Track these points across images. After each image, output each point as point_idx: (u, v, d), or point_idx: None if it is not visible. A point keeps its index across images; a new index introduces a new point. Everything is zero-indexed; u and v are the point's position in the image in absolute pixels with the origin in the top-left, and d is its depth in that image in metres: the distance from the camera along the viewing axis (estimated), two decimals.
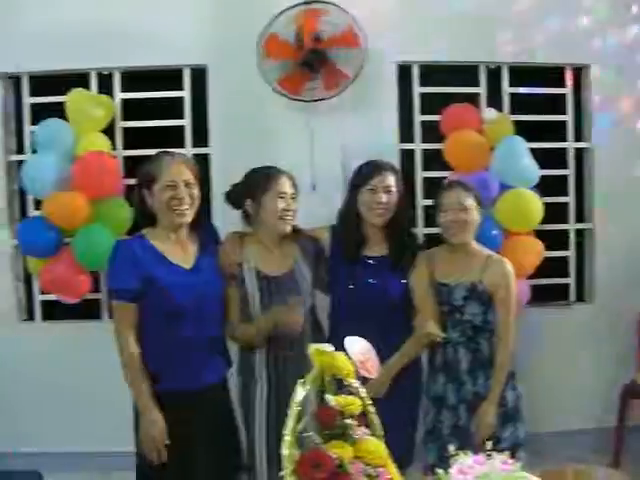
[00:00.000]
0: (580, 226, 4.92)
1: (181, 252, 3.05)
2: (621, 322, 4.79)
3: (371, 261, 3.38)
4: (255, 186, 3.22)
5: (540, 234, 4.46)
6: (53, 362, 4.55)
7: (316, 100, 4.20)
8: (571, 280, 4.93)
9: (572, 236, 4.90)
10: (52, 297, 4.61)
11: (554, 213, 4.65)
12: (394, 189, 3.34)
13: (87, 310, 4.58)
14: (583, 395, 4.69)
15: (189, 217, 3.03)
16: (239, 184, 3.32)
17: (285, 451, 1.70)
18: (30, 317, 4.82)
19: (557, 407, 4.63)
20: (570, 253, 4.91)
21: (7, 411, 4.47)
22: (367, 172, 3.38)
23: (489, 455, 1.90)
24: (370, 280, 3.31)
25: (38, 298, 4.76)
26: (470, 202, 3.34)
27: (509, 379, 3.35)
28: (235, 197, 3.32)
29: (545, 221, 4.38)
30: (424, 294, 3.35)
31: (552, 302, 4.91)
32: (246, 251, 3.25)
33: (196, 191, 3.04)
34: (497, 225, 4.25)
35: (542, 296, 4.74)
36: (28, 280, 4.80)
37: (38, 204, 4.51)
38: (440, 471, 1.89)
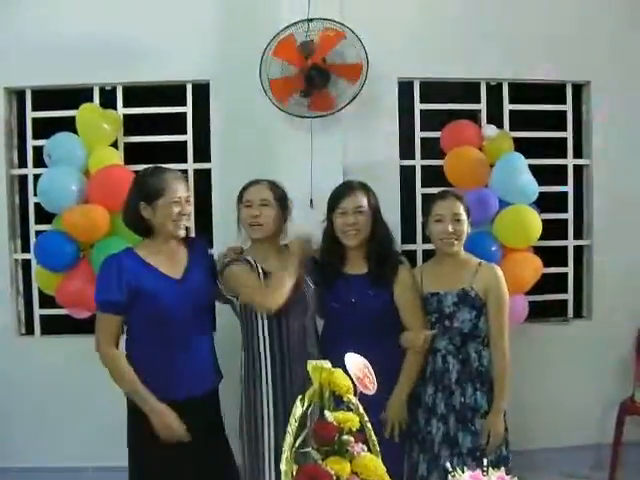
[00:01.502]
0: (579, 242, 4.94)
1: (170, 263, 3.13)
2: (619, 339, 4.80)
3: (352, 280, 3.40)
4: (239, 199, 3.36)
5: (539, 250, 4.47)
6: (51, 377, 4.55)
7: (316, 117, 4.22)
8: (569, 296, 4.94)
9: (571, 252, 4.91)
10: (52, 311, 4.65)
11: (553, 229, 4.67)
12: (365, 209, 3.36)
13: (86, 324, 4.54)
14: (581, 411, 4.67)
15: (184, 231, 3.14)
16: None
17: (283, 467, 1.71)
18: (29, 331, 4.82)
19: (555, 423, 4.62)
20: (568, 269, 4.93)
21: (4, 425, 4.47)
22: (337, 195, 3.42)
23: (485, 471, 1.92)
24: (352, 299, 3.34)
25: (38, 312, 4.76)
26: (463, 212, 3.38)
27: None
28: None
29: (544, 237, 4.39)
30: (410, 306, 3.37)
31: (550, 318, 4.92)
32: (249, 254, 3.34)
33: (191, 207, 3.18)
34: (496, 241, 4.27)
35: (540, 312, 4.76)
36: (27, 294, 4.81)
37: (42, 218, 4.55)
38: None
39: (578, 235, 4.94)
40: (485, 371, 3.34)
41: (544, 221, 4.36)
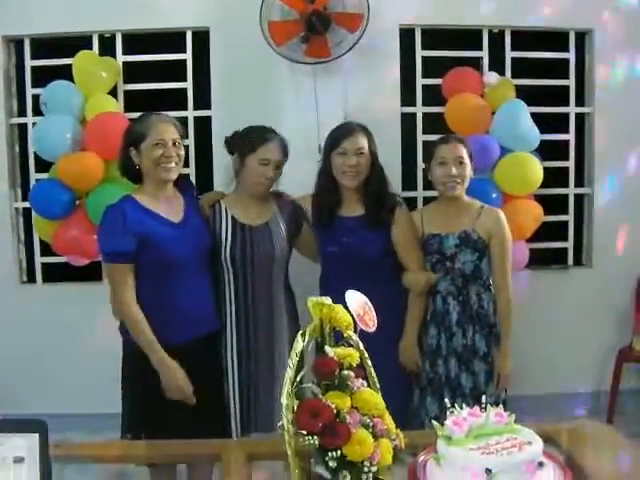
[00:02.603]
0: (580, 191, 4.93)
1: (169, 207, 3.10)
2: (618, 287, 4.82)
3: (348, 221, 3.39)
4: (242, 146, 3.27)
5: (540, 198, 4.48)
6: (53, 324, 4.58)
7: (317, 63, 4.19)
8: (569, 244, 4.96)
9: (571, 200, 4.91)
10: (53, 259, 4.68)
11: (554, 177, 4.67)
12: (365, 151, 3.33)
13: (87, 272, 4.58)
14: (580, 358, 4.72)
15: (175, 174, 3.09)
16: (236, 138, 3.35)
17: (284, 400, 1.73)
18: (30, 279, 4.86)
19: (554, 370, 4.67)
20: (569, 217, 4.93)
21: (6, 372, 4.50)
22: (338, 135, 3.38)
23: (484, 408, 1.94)
24: (348, 240, 3.33)
25: (39, 260, 4.80)
26: (466, 156, 3.38)
27: (495, 339, 3.40)
28: (229, 148, 3.36)
29: (545, 185, 4.40)
30: (408, 247, 3.37)
31: (550, 266, 4.94)
32: (225, 200, 3.35)
33: (182, 151, 3.11)
34: (497, 188, 4.28)
35: (541, 260, 4.78)
36: (28, 242, 4.83)
37: (42, 167, 4.55)
38: (435, 423, 1.93)
39: (579, 183, 4.94)
40: (484, 314, 3.37)
41: (545, 169, 4.36)
